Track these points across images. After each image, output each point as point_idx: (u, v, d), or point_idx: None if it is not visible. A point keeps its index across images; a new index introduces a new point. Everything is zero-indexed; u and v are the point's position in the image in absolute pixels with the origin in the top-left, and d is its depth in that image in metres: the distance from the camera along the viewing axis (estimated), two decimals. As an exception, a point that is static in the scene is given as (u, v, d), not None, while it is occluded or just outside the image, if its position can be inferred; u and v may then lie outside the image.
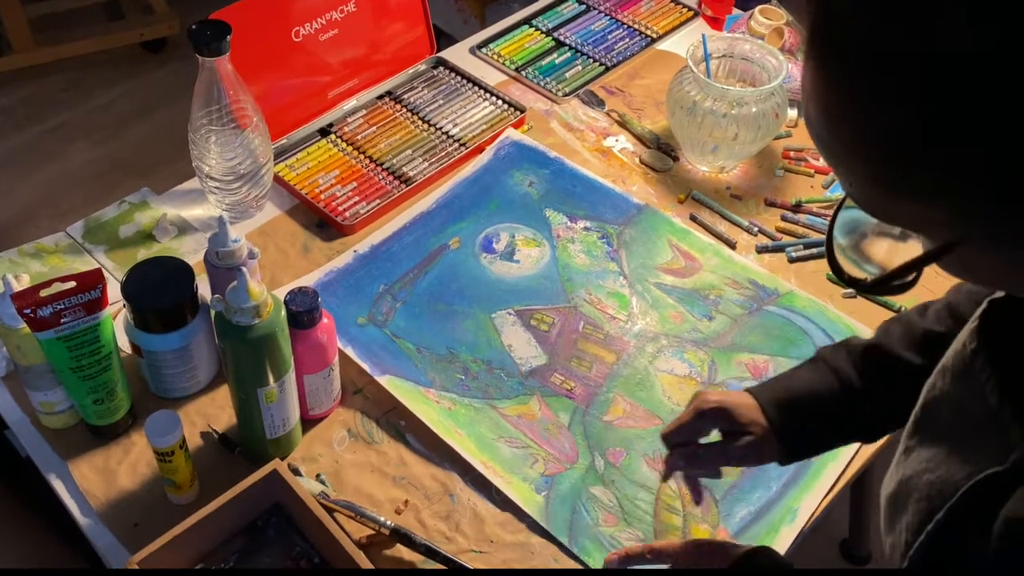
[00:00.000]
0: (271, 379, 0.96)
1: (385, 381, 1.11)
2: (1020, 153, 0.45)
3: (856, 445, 1.08)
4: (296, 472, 1.02)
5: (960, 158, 0.47)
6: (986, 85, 0.44)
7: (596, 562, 0.97)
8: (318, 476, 1.03)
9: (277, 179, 1.34)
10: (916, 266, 0.55)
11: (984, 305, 0.65)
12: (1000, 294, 0.65)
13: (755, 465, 0.93)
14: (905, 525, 0.66)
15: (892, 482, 0.70)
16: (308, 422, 1.08)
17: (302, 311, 0.98)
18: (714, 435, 0.93)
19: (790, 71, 1.47)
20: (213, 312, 0.95)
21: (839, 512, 1.79)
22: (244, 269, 0.91)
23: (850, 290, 1.25)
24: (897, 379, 0.87)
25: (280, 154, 1.38)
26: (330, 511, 0.96)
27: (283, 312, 0.95)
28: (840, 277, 0.61)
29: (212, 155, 1.22)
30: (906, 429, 0.71)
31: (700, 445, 0.92)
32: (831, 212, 1.34)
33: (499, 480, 1.03)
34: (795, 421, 0.89)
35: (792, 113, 1.48)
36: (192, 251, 1.25)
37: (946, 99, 0.45)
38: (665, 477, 0.94)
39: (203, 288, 1.09)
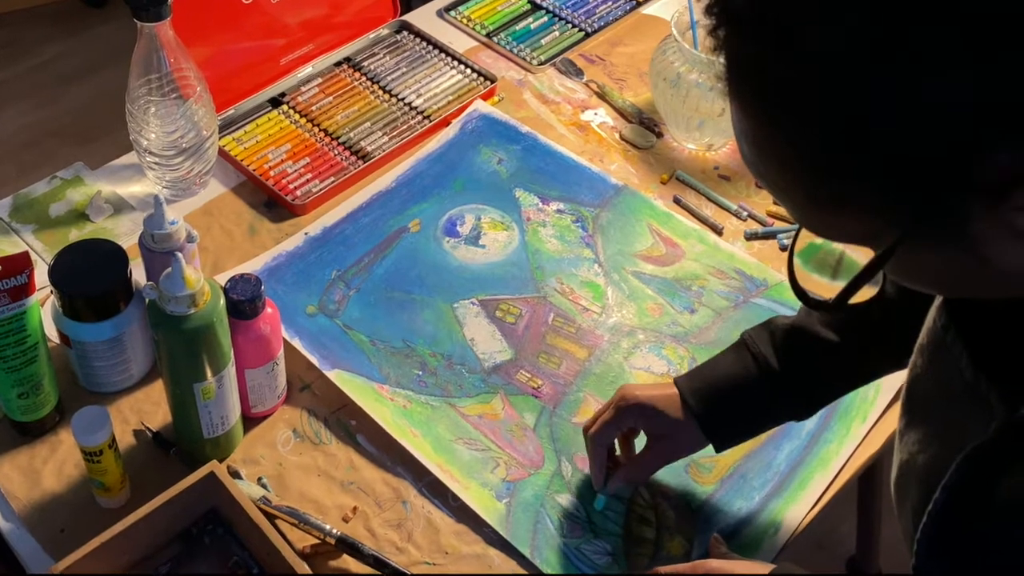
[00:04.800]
0: (209, 374, 0.97)
1: (335, 376, 1.12)
2: (912, 152, 0.52)
3: (845, 454, 1.10)
4: (235, 475, 1.03)
5: (865, 164, 0.54)
6: (853, 88, 0.52)
7: None
8: (259, 480, 1.04)
9: (222, 154, 1.35)
10: (864, 277, 0.60)
11: None
12: None
13: (684, 457, 1.03)
14: (910, 509, 0.73)
15: (894, 468, 0.78)
16: (250, 421, 1.09)
17: (243, 300, 0.99)
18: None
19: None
20: (147, 300, 0.96)
21: (846, 527, 1.80)
22: (179, 255, 0.92)
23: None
24: (817, 360, 0.98)
25: (226, 126, 1.39)
26: (271, 518, 0.97)
27: (222, 301, 0.96)
28: (803, 300, 0.67)
29: (151, 128, 1.23)
30: (899, 411, 0.79)
31: (635, 456, 1.04)
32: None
33: (456, 485, 1.05)
34: (718, 412, 0.98)
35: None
36: (129, 231, 1.26)
37: (830, 109, 0.53)
38: (600, 487, 1.03)
39: (138, 273, 1.09)
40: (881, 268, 0.59)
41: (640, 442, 1.04)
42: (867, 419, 1.13)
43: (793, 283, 0.67)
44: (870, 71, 0.51)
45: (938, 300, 0.73)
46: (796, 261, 0.72)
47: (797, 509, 1.06)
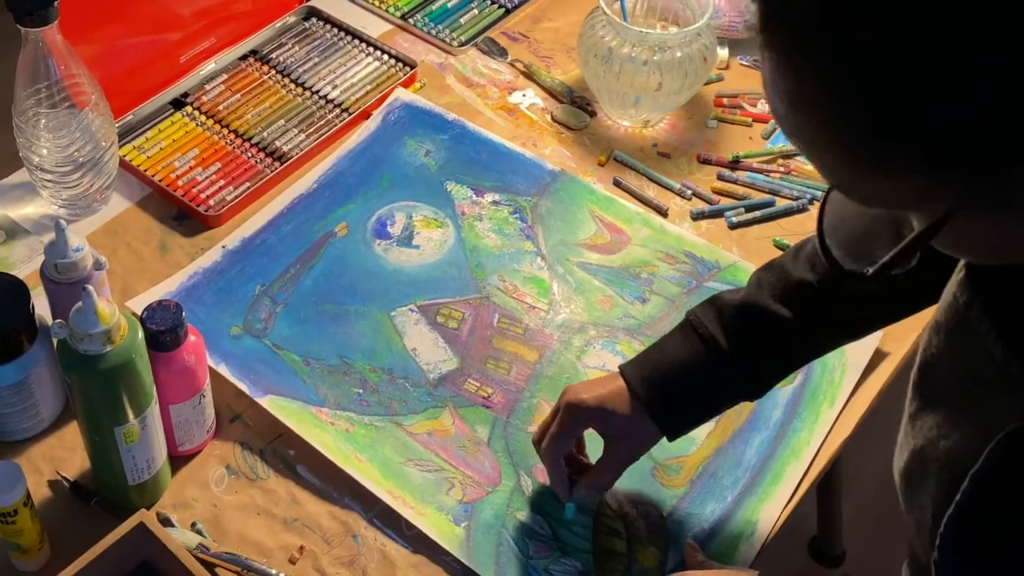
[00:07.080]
0: (130, 415, 0.93)
1: (267, 403, 1.08)
2: (984, 115, 0.50)
3: (816, 442, 1.10)
4: (167, 522, 0.99)
5: (916, 125, 0.51)
6: (910, 49, 0.50)
7: (528, 600, 0.97)
8: (194, 525, 1.00)
9: (123, 165, 1.29)
10: (912, 248, 0.58)
11: None
12: None
13: (646, 451, 1.00)
14: (929, 499, 0.70)
15: (904, 454, 0.74)
16: (177, 460, 1.05)
17: (163, 330, 0.95)
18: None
19: (718, 6, 1.45)
20: (56, 339, 0.91)
21: (806, 506, 1.80)
22: (90, 287, 0.88)
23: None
24: (769, 338, 0.96)
25: (125, 133, 1.33)
26: (211, 567, 0.95)
27: (140, 334, 0.92)
28: (834, 267, 0.65)
29: (43, 143, 1.17)
30: (907, 395, 0.75)
31: (596, 464, 1.00)
32: (773, 168, 1.34)
33: (410, 512, 1.01)
34: (669, 401, 0.96)
35: (723, 53, 1.47)
36: (24, 259, 1.21)
37: (899, 68, 0.50)
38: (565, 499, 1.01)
39: (40, 306, 1.04)
40: (933, 237, 0.57)
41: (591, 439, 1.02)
42: (835, 403, 1.12)
43: (823, 247, 0.66)
44: (927, 31, 0.49)
45: (958, 275, 0.71)
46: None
47: (772, 506, 1.05)
